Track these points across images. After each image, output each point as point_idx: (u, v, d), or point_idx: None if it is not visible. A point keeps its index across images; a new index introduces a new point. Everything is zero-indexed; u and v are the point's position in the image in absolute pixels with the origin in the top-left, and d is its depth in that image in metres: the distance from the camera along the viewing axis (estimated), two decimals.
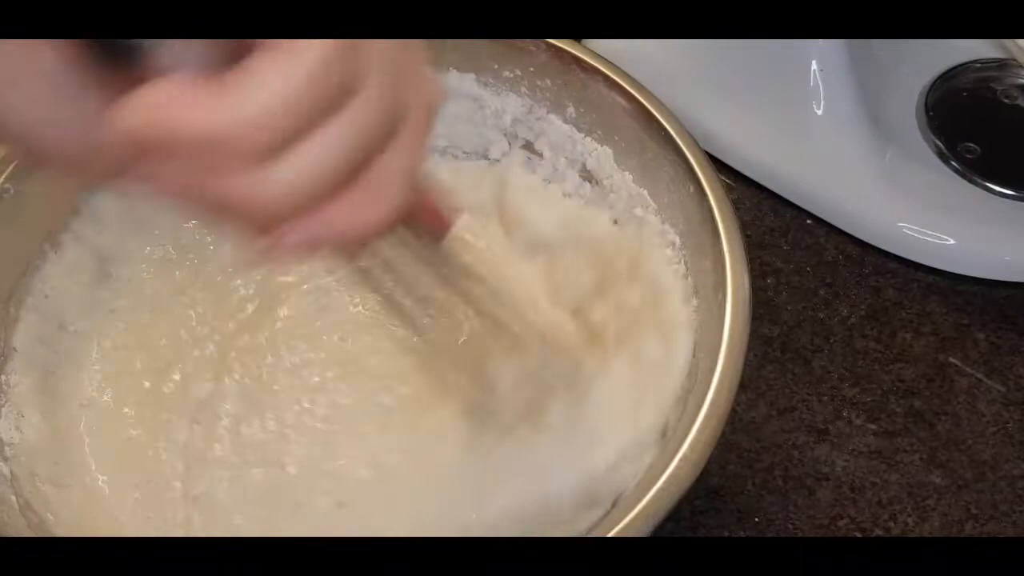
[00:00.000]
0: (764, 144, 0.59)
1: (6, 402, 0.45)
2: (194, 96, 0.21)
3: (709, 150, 0.49)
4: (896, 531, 0.48)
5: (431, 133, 0.27)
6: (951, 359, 0.53)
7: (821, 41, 0.57)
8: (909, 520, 0.48)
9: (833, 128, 0.58)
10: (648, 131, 0.47)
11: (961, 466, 0.49)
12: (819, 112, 0.57)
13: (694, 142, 0.45)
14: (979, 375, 0.52)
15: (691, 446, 0.37)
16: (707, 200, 0.43)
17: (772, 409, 0.51)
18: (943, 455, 0.50)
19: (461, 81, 0.51)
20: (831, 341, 0.53)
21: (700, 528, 0.47)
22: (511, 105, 0.51)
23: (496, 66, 0.51)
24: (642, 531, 0.36)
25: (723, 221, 0.43)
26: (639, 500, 0.36)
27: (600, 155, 0.50)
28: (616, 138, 0.49)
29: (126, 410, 0.46)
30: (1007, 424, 0.51)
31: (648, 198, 0.48)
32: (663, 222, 0.47)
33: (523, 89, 0.51)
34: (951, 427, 0.51)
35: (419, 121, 0.25)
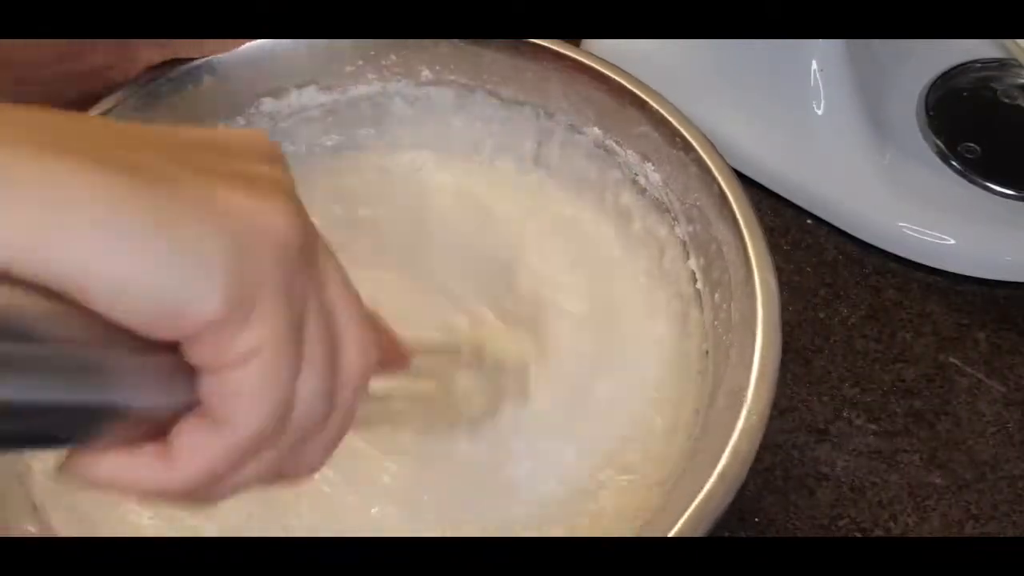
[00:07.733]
0: (764, 144, 0.59)
1: None
2: (146, 464, 0.26)
3: None
4: (896, 531, 0.48)
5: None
6: (951, 359, 0.53)
7: (821, 41, 0.57)
8: (909, 520, 0.48)
9: (833, 128, 0.58)
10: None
11: (961, 466, 0.49)
12: (819, 112, 0.57)
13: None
14: (979, 375, 0.52)
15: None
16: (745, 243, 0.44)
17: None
18: (943, 455, 0.50)
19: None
20: (831, 341, 0.53)
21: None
22: None
23: None
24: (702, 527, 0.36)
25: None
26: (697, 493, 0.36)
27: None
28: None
29: None
30: (1007, 424, 0.51)
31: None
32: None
33: None
34: (951, 427, 0.51)
35: (348, 405, 0.29)
